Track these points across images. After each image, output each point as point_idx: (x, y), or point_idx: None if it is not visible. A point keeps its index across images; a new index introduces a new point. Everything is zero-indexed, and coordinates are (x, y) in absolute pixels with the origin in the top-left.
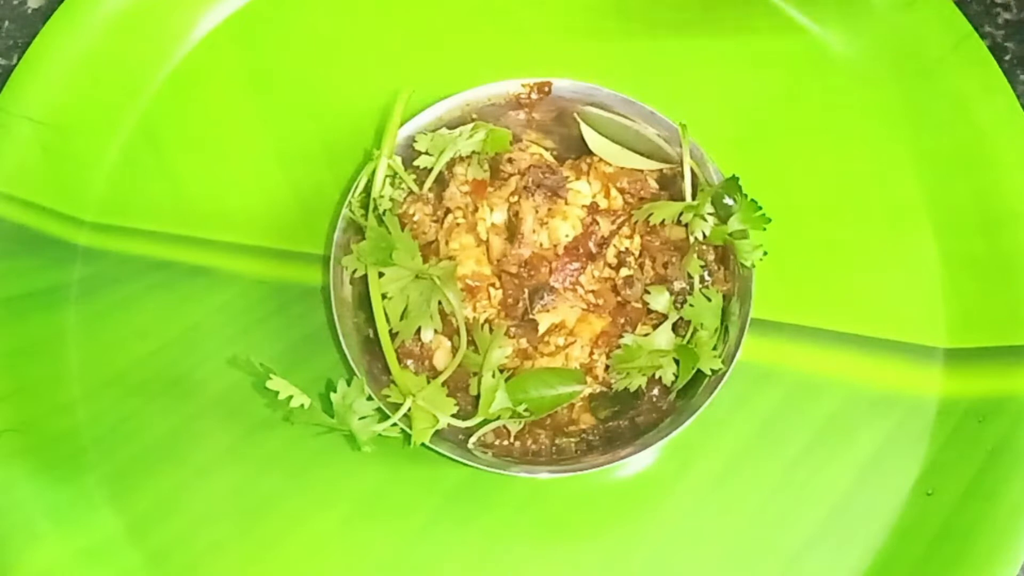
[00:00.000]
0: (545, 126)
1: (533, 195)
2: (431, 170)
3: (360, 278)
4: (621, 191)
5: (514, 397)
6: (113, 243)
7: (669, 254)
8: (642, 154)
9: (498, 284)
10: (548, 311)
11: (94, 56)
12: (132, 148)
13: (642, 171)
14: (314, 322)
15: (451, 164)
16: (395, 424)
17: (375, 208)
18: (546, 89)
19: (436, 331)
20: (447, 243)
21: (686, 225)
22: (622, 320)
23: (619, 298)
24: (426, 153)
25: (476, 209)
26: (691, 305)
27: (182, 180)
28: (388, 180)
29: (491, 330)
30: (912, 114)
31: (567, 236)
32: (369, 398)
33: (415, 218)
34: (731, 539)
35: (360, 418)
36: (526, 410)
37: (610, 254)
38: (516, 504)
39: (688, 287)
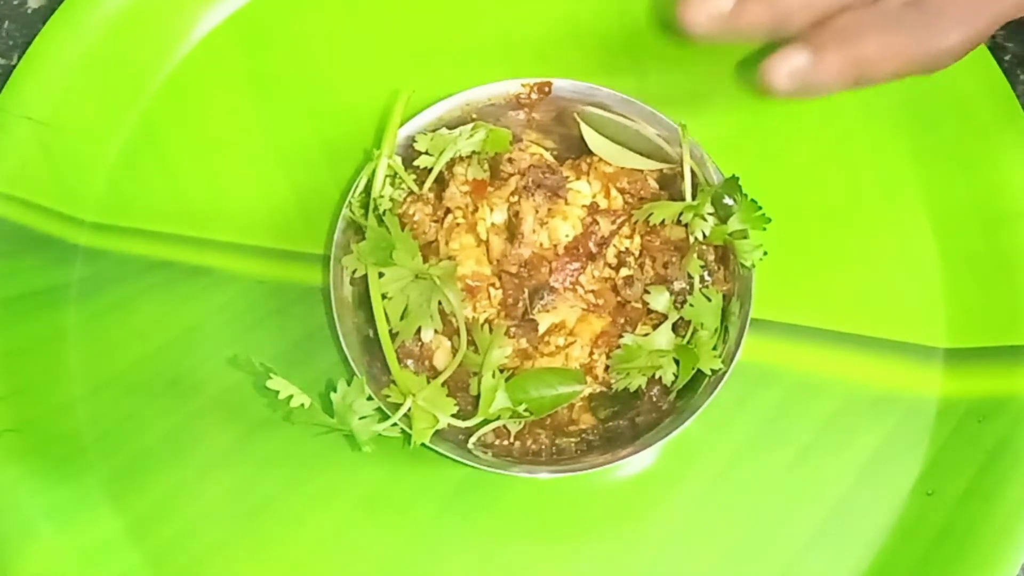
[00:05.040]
0: (545, 126)
1: (533, 195)
2: (431, 170)
3: (360, 278)
4: (621, 191)
5: (514, 397)
6: (113, 243)
7: (669, 254)
8: (642, 154)
9: (498, 284)
10: (548, 311)
11: (94, 56)
12: (132, 148)
13: (642, 171)
14: (314, 322)
15: (451, 164)
16: (395, 424)
17: (375, 208)
18: (546, 89)
19: (436, 331)
20: (447, 243)
21: (686, 225)
22: (622, 320)
23: (619, 298)
24: (426, 153)
25: (476, 209)
26: (691, 305)
27: (182, 180)
28: (388, 180)
29: (491, 330)
30: (912, 113)
31: (567, 236)
32: (369, 398)
33: (415, 218)
34: (731, 539)
35: (360, 418)
36: (526, 410)
37: (610, 254)
38: (516, 504)
39: (688, 287)
